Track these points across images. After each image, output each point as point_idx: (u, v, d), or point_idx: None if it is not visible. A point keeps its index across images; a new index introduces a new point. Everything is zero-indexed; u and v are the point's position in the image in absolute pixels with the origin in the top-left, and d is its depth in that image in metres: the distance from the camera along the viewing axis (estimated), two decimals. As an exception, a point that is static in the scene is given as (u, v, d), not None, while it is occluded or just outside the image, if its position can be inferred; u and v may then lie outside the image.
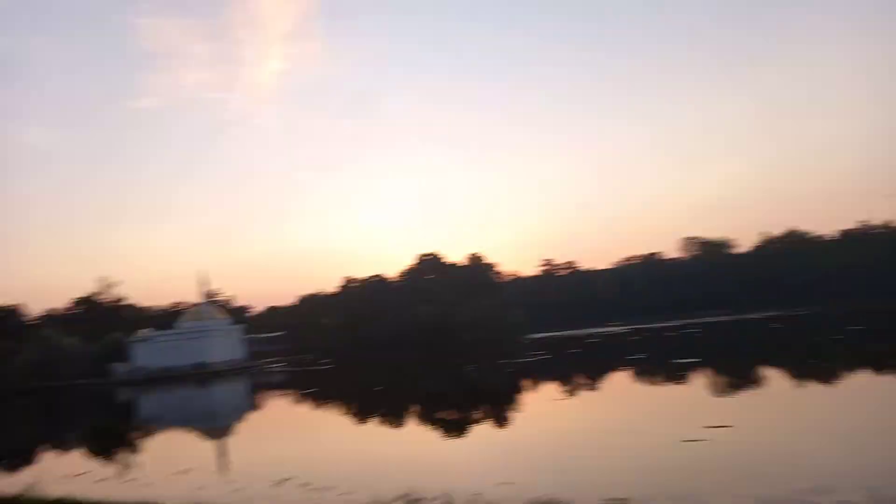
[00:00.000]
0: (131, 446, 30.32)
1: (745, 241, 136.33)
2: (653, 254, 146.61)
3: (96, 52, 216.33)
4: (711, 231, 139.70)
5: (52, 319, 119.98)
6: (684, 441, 16.63)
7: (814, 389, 26.99)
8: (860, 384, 26.35)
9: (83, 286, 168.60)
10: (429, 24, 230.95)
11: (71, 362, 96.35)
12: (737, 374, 33.79)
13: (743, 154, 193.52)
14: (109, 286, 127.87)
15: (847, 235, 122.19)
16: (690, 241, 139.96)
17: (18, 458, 28.37)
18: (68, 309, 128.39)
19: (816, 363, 34.55)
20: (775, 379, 30.51)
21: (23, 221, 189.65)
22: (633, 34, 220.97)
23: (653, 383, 34.04)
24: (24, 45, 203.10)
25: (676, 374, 34.36)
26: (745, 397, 25.51)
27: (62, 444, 33.31)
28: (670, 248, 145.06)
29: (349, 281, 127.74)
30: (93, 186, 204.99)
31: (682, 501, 11.30)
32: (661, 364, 42.65)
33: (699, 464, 14.54)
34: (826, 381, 28.31)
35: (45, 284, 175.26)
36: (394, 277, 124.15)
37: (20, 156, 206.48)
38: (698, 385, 30.53)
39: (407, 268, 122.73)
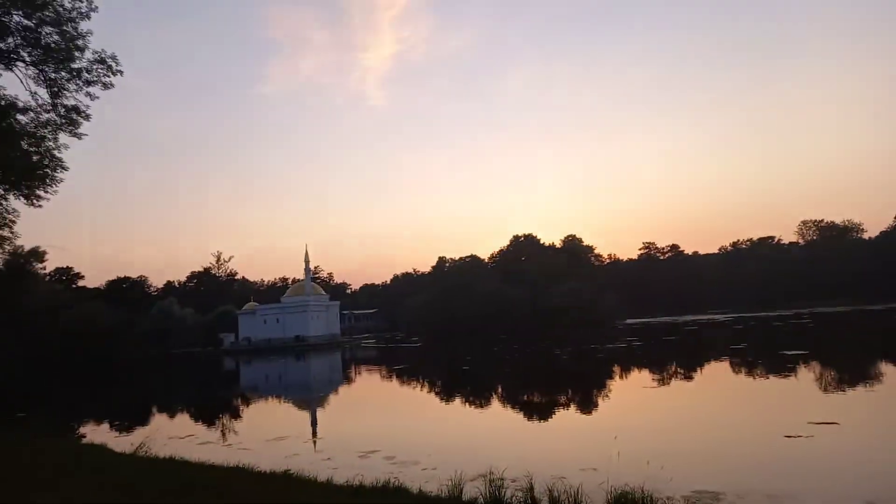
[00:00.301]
0: (232, 412, 32.38)
1: (872, 225, 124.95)
2: (765, 238, 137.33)
3: (224, 41, 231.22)
4: (833, 215, 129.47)
5: (170, 291, 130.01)
6: (786, 436, 15.58)
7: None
8: None
9: (201, 260, 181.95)
10: (536, 5, 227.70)
11: (185, 331, 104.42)
12: (849, 369, 31.15)
13: (873, 132, 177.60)
14: (223, 261, 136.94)
15: None
16: (809, 225, 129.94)
17: (132, 418, 31.07)
18: (185, 282, 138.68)
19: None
20: (892, 375, 27.85)
21: (150, 200, 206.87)
22: (741, 15, 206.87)
23: (754, 375, 31.96)
24: (159, 34, 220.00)
25: (781, 366, 32.18)
26: (856, 394, 23.42)
27: (171, 408, 36.15)
28: (785, 233, 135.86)
29: (443, 260, 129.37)
30: (213, 168, 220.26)
31: (779, 500, 10.52)
32: (765, 355, 40.08)
33: (800, 461, 13.56)
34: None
35: (167, 258, 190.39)
36: (488, 258, 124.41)
37: (149, 139, 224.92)
38: (805, 378, 28.39)
39: (501, 249, 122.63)
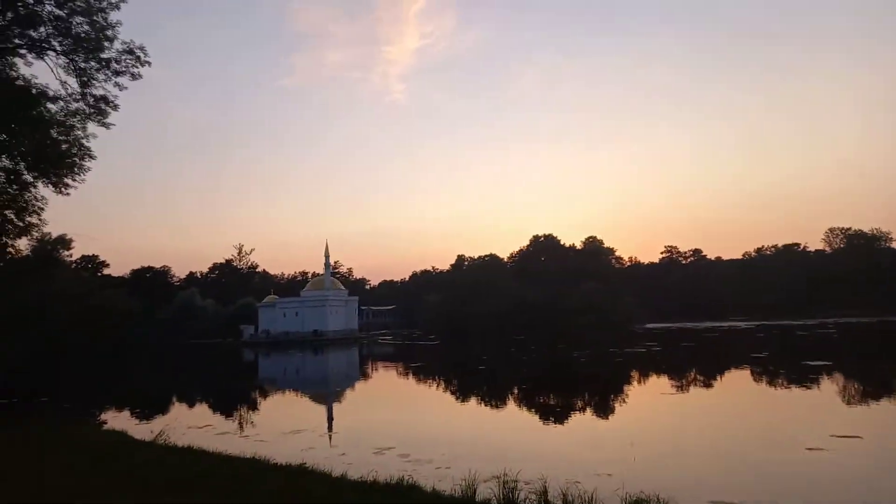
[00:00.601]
0: (250, 404, 32.67)
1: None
2: (791, 245, 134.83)
3: (250, 35, 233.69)
4: (861, 222, 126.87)
5: (192, 282, 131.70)
6: (808, 449, 15.27)
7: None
8: None
9: (223, 252, 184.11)
10: (558, 3, 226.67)
11: (206, 322, 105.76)
12: (873, 381, 30.47)
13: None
14: (244, 253, 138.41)
15: None
16: (836, 233, 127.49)
17: (152, 406, 31.49)
18: (207, 273, 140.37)
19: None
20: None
21: (175, 191, 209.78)
22: (766, 10, 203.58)
23: (776, 384, 31.42)
24: (187, 26, 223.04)
25: (804, 377, 31.58)
26: (880, 407, 22.89)
27: (191, 397, 36.59)
28: (812, 240, 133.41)
29: (462, 259, 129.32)
30: (237, 160, 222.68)
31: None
32: (787, 364, 39.39)
33: (821, 475, 13.25)
34: None
35: (190, 249, 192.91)
36: (507, 258, 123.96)
37: (175, 130, 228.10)
38: (828, 390, 27.82)
39: (521, 248, 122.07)
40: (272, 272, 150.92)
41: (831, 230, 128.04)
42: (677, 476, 13.30)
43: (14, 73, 22.30)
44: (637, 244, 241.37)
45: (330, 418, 25.72)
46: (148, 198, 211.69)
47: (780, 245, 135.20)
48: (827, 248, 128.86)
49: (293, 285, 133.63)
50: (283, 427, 21.90)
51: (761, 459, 15.01)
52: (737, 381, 33.56)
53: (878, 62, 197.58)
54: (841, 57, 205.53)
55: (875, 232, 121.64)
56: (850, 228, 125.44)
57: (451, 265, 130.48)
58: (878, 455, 15.11)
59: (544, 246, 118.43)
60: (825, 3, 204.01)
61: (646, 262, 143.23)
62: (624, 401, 27.74)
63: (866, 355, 44.78)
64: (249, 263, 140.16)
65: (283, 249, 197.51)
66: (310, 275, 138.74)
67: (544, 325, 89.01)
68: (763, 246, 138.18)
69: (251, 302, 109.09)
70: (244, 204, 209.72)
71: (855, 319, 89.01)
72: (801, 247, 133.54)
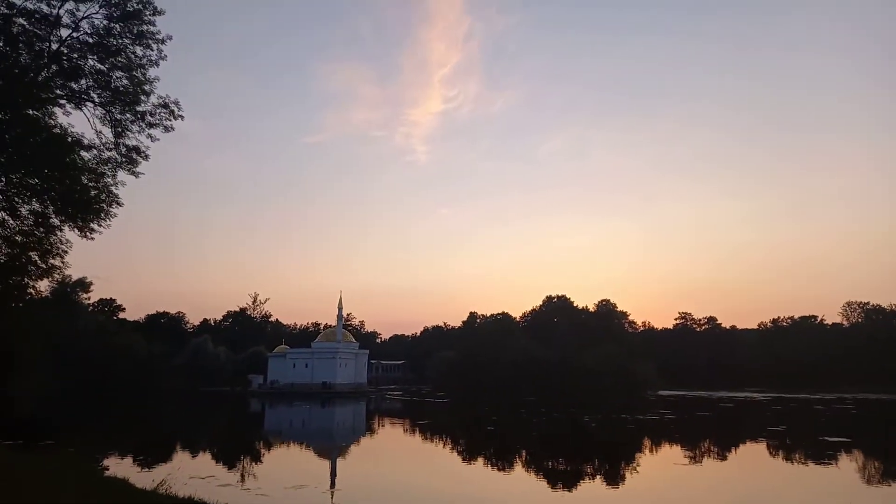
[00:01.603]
0: (254, 455, 32.28)
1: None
2: (808, 317, 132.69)
3: (283, 93, 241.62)
4: (879, 297, 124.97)
5: (206, 328, 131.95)
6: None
7: None
8: None
9: (237, 300, 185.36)
10: (580, 71, 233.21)
11: (217, 369, 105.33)
12: (892, 459, 29.51)
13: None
14: (258, 302, 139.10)
15: None
16: (854, 307, 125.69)
17: (156, 453, 31.24)
18: (221, 320, 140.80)
19: None
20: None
21: (193, 238, 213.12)
22: (781, 86, 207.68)
23: (793, 460, 30.55)
24: (223, 83, 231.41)
25: (822, 453, 30.70)
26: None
27: (195, 445, 36.23)
28: (829, 313, 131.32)
29: (474, 316, 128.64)
30: (256, 210, 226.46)
31: None
32: (805, 439, 38.33)
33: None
34: None
35: (206, 295, 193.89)
36: (519, 317, 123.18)
37: (196, 178, 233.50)
38: (846, 468, 26.98)
39: (533, 308, 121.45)
40: (285, 321, 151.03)
41: (849, 304, 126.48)
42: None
43: (52, 122, 23.30)
44: (650, 310, 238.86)
45: (333, 474, 25.34)
46: (165, 243, 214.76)
47: (796, 317, 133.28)
48: (844, 322, 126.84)
49: (305, 336, 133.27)
50: (285, 482, 21.64)
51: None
52: (753, 455, 32.63)
53: None
54: (861, 131, 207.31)
55: (893, 307, 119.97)
56: (867, 303, 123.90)
57: (463, 322, 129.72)
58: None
59: (557, 307, 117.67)
60: (830, 89, 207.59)
61: (660, 327, 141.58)
62: (634, 469, 27.09)
63: (885, 433, 43.46)
64: (263, 312, 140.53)
65: (297, 299, 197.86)
66: (322, 326, 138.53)
67: (556, 386, 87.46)
68: (779, 317, 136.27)
69: (262, 351, 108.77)
70: (263, 253, 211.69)
71: (874, 396, 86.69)
72: (819, 319, 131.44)
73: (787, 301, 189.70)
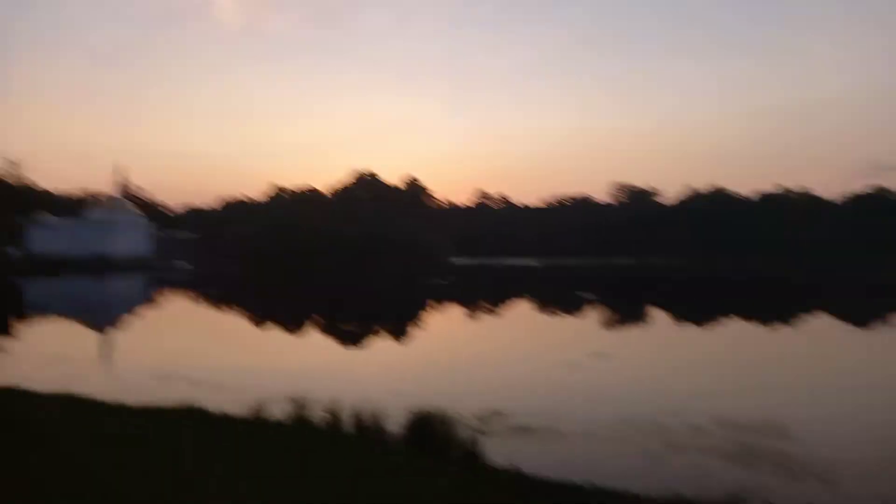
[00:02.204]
0: (9, 334, 28.75)
1: (669, 192, 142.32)
2: (583, 196, 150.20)
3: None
4: (639, 179, 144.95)
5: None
6: (564, 364, 17.86)
7: (690, 331, 29.26)
8: (730, 330, 28.75)
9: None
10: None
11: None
12: (627, 312, 36.23)
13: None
14: (14, 166, 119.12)
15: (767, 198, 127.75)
16: (619, 187, 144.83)
17: None
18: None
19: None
20: (662, 319, 33.07)
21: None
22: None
23: (550, 312, 36.47)
24: None
25: (574, 307, 36.77)
26: (629, 332, 27.74)
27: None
28: (600, 192, 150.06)
29: (278, 190, 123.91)
30: (23, 62, 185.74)
31: (552, 415, 12.05)
32: (562, 296, 45.30)
33: (573, 384, 15.64)
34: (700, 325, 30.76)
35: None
36: (326, 192, 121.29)
37: None
38: (591, 318, 32.68)
39: (341, 183, 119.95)
40: (54, 190, 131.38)
41: (613, 183, 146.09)
42: (457, 391, 14.77)
43: None
44: (452, 186, 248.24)
45: (104, 346, 23.72)
46: None
47: (575, 195, 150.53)
48: (612, 201, 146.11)
49: (77, 205, 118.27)
50: (49, 356, 19.70)
51: (527, 374, 17.33)
52: (520, 310, 37.87)
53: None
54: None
55: (648, 188, 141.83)
56: (628, 183, 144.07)
57: (271, 198, 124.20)
58: (621, 368, 18.34)
59: (366, 183, 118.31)
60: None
61: (460, 203, 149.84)
62: (419, 326, 29.68)
63: (627, 293, 52.63)
64: (20, 178, 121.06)
65: (69, 167, 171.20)
66: (98, 194, 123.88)
67: (359, 260, 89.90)
68: (561, 195, 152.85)
69: (19, 220, 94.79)
70: (25, 113, 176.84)
71: (632, 263, 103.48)
72: (591, 198, 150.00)
73: (564, 182, 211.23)
